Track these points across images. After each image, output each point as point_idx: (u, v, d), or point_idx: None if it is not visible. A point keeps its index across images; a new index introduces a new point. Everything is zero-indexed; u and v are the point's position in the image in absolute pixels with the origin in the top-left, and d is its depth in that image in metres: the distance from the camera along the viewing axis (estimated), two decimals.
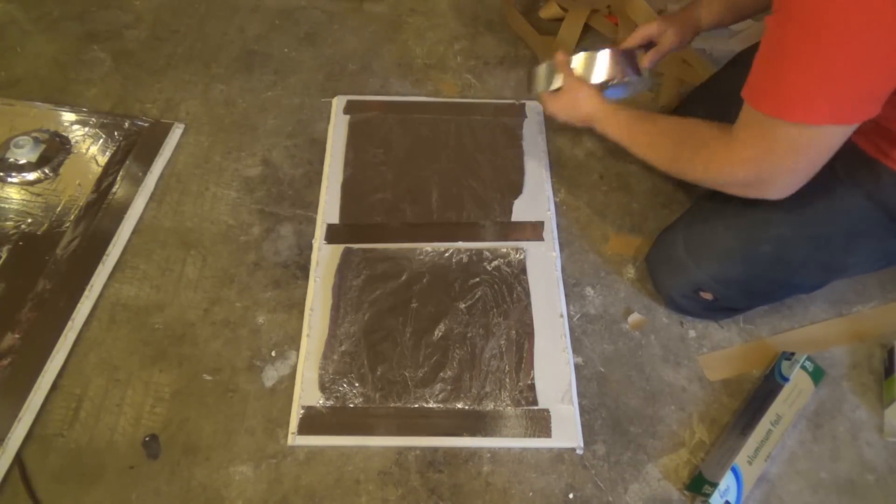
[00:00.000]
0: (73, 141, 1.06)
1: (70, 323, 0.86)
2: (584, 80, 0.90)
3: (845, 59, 0.55)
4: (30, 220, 0.96)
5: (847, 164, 0.74)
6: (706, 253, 0.84)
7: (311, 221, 0.99)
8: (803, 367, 0.82)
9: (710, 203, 0.87)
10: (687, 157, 0.75)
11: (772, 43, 0.60)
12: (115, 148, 1.06)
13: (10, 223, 0.95)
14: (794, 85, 0.58)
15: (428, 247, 0.95)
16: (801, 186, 0.76)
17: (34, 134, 1.05)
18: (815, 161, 0.65)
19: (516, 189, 1.03)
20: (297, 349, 0.86)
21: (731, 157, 0.69)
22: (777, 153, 0.64)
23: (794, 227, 0.78)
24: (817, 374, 0.84)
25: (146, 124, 1.10)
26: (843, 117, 0.59)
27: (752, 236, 0.80)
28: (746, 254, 0.81)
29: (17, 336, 0.84)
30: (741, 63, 0.95)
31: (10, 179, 1.00)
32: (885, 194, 0.71)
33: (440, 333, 0.87)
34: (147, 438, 0.78)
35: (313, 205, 1.01)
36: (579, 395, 0.83)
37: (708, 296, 0.85)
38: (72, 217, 0.97)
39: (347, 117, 1.12)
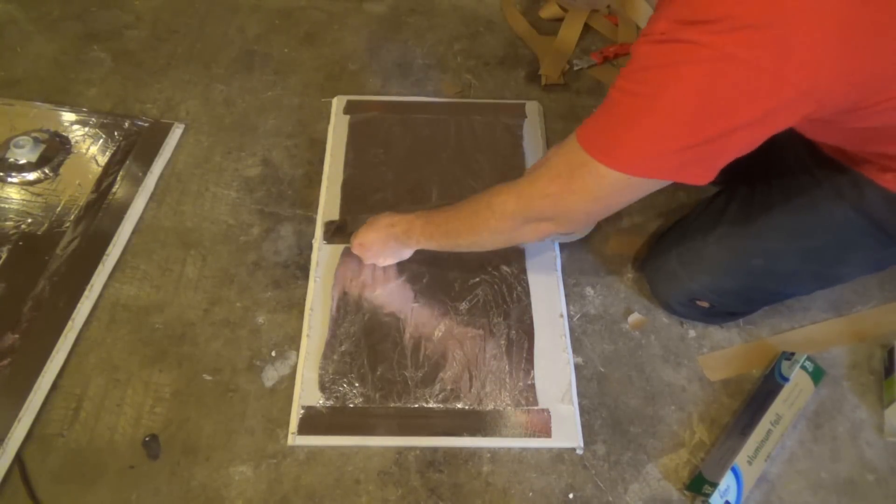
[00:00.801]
0: (73, 141, 1.06)
1: (70, 323, 0.86)
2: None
3: (672, 121, 0.54)
4: (30, 220, 0.96)
5: (831, 178, 0.74)
6: (698, 266, 0.84)
7: (311, 221, 0.99)
8: (803, 367, 0.82)
9: (703, 215, 0.88)
10: (483, 210, 0.73)
11: (613, 90, 0.59)
12: (115, 148, 1.06)
13: (10, 223, 0.95)
14: (618, 134, 0.58)
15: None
16: (790, 201, 0.78)
17: (34, 134, 1.05)
18: (614, 206, 0.66)
19: None
20: (297, 349, 0.86)
21: (532, 192, 0.67)
22: (581, 193, 0.63)
23: (784, 241, 0.78)
24: (817, 374, 0.84)
25: (146, 124, 1.10)
26: (660, 173, 0.58)
27: (742, 250, 0.80)
28: (738, 267, 0.81)
29: (17, 336, 0.84)
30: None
31: (10, 179, 1.00)
32: (870, 206, 0.71)
33: (440, 333, 0.87)
34: (147, 438, 0.78)
35: (313, 205, 1.01)
36: (579, 395, 0.83)
37: (704, 304, 0.86)
38: (72, 217, 0.97)
39: (347, 117, 1.12)
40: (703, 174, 0.58)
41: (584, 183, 0.62)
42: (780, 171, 0.81)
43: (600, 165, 0.59)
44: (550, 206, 0.66)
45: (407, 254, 0.89)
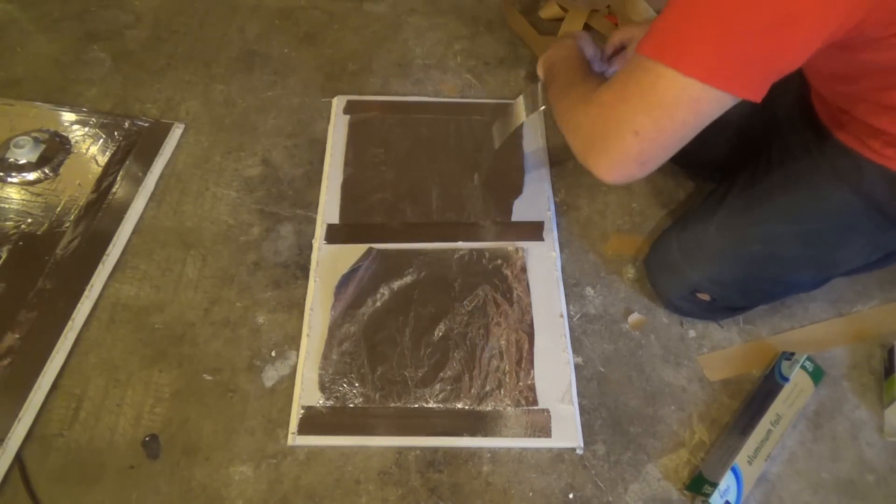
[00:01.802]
0: (73, 141, 1.06)
1: (70, 323, 0.86)
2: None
3: (742, 19, 0.51)
4: (30, 220, 0.96)
5: (830, 159, 0.74)
6: (699, 254, 0.84)
7: (311, 221, 0.99)
8: (803, 367, 0.82)
9: (703, 205, 0.88)
10: (569, 95, 0.70)
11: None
12: (115, 148, 1.06)
13: (10, 223, 0.95)
14: (677, 30, 0.54)
15: (428, 247, 0.95)
16: (789, 184, 0.76)
17: (34, 134, 1.04)
18: (662, 128, 0.58)
19: (516, 189, 1.03)
20: (297, 349, 0.86)
21: (591, 98, 0.63)
22: (633, 99, 0.58)
23: (784, 224, 0.78)
24: (817, 374, 0.84)
25: (146, 124, 1.10)
26: (718, 80, 0.54)
27: (742, 235, 0.80)
28: (738, 253, 0.81)
29: (17, 336, 0.84)
30: None
31: (10, 179, 1.00)
32: (869, 187, 0.71)
33: (440, 333, 0.87)
34: (147, 438, 0.78)
35: (313, 205, 1.01)
36: (579, 395, 0.83)
37: (705, 297, 0.85)
38: (72, 217, 0.97)
39: (347, 117, 1.12)
40: (756, 83, 0.55)
41: (639, 87, 0.57)
42: (780, 155, 0.81)
43: (655, 64, 0.55)
44: (600, 117, 0.61)
45: None
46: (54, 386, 0.82)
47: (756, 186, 0.81)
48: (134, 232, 0.97)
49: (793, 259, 0.80)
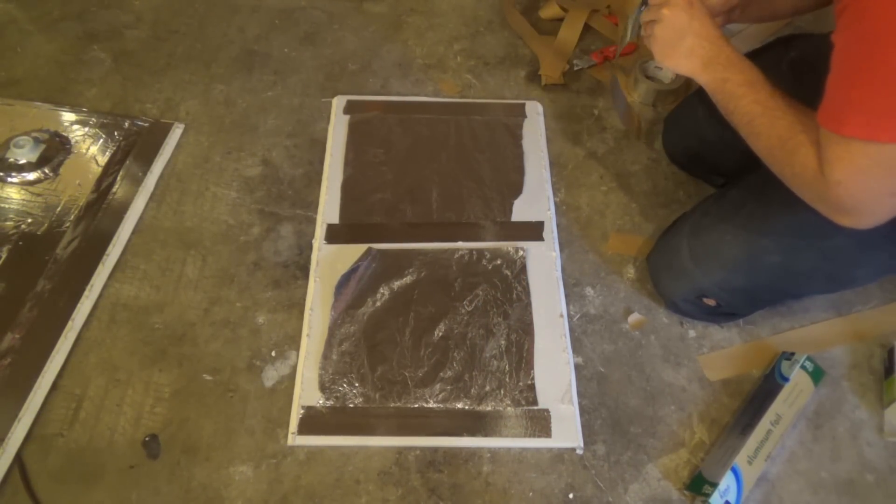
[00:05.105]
0: (73, 141, 1.06)
1: (70, 323, 0.86)
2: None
3: None
4: (30, 220, 0.96)
5: None
6: (712, 261, 0.82)
7: (311, 221, 0.99)
8: (803, 367, 0.82)
9: (717, 208, 0.85)
10: (786, 155, 0.66)
11: (848, 62, 0.56)
12: (115, 148, 1.06)
13: (10, 223, 0.95)
14: (880, 104, 0.54)
15: (428, 247, 0.95)
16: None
17: (34, 134, 1.05)
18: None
19: (516, 189, 1.03)
20: (297, 349, 0.86)
21: (820, 177, 0.61)
22: (869, 176, 0.58)
23: (804, 238, 0.76)
24: (817, 374, 0.84)
25: (146, 124, 1.10)
26: None
27: (760, 246, 0.79)
28: (754, 263, 0.80)
29: (17, 336, 0.84)
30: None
31: (10, 179, 1.00)
32: None
33: (440, 333, 0.87)
34: (147, 438, 0.78)
35: (313, 205, 1.01)
36: (579, 395, 0.83)
37: (711, 302, 0.85)
38: (72, 217, 0.97)
39: (347, 117, 1.12)
40: None
41: (871, 162, 0.57)
42: None
43: (880, 145, 0.55)
44: (846, 195, 0.60)
45: (683, 66, 0.75)
46: (54, 386, 0.82)
47: (775, 196, 0.77)
48: (134, 232, 0.97)
49: (808, 273, 0.79)
